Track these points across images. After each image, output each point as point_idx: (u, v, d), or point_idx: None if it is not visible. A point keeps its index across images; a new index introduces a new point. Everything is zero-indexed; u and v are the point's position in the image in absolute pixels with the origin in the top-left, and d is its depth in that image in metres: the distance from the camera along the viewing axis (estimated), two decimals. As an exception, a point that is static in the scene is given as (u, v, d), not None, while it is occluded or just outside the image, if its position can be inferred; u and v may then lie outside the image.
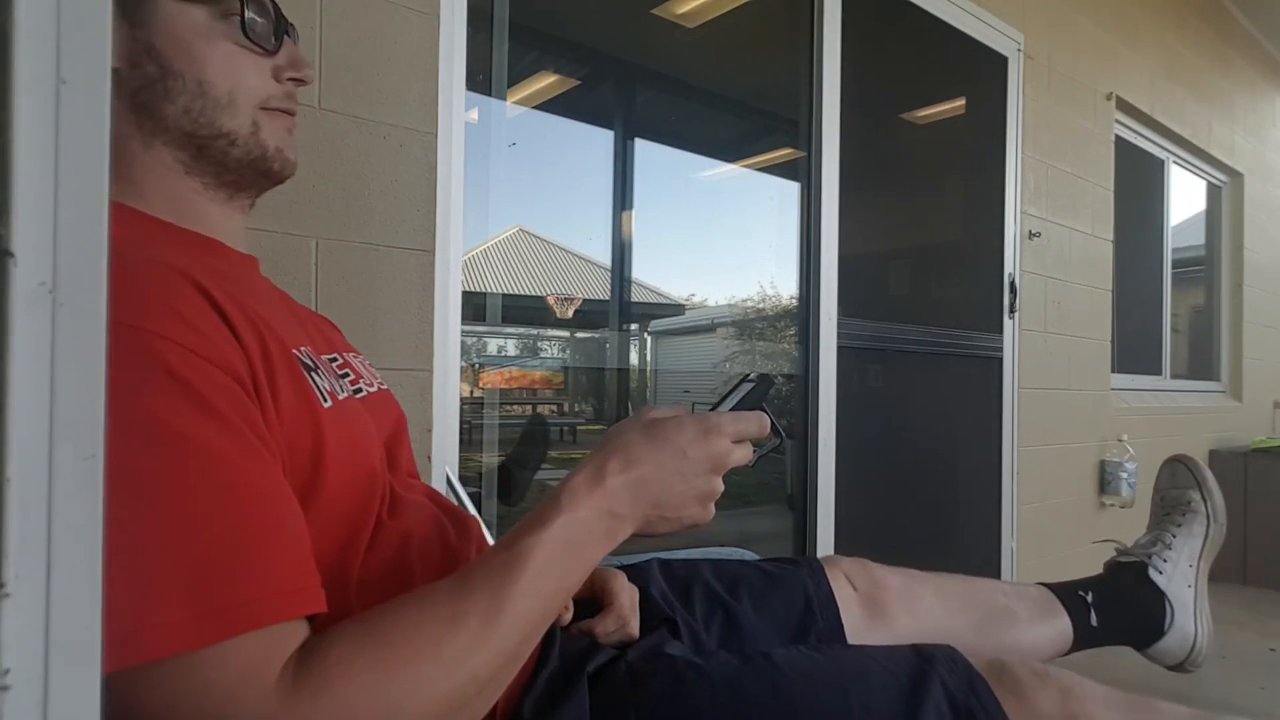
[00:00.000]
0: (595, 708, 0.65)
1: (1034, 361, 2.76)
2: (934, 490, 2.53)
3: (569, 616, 0.78)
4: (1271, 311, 4.46)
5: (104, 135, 0.28)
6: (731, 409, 0.64)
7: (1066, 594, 1.07)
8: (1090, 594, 1.07)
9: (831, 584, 0.94)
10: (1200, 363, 4.22)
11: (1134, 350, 3.55)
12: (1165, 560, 1.13)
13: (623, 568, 0.91)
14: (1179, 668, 1.12)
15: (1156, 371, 3.77)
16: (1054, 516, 2.82)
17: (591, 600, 0.82)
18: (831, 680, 0.68)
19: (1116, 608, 1.08)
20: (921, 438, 2.50)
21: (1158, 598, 1.10)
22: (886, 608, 0.95)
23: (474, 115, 1.54)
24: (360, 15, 1.25)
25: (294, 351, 0.59)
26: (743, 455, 0.62)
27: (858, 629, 0.92)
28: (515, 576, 0.52)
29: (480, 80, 1.55)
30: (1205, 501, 1.19)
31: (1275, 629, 3.00)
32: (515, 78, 1.70)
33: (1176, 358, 3.92)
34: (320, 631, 0.49)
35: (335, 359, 0.72)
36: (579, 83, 1.94)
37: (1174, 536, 1.16)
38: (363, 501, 0.62)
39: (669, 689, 0.67)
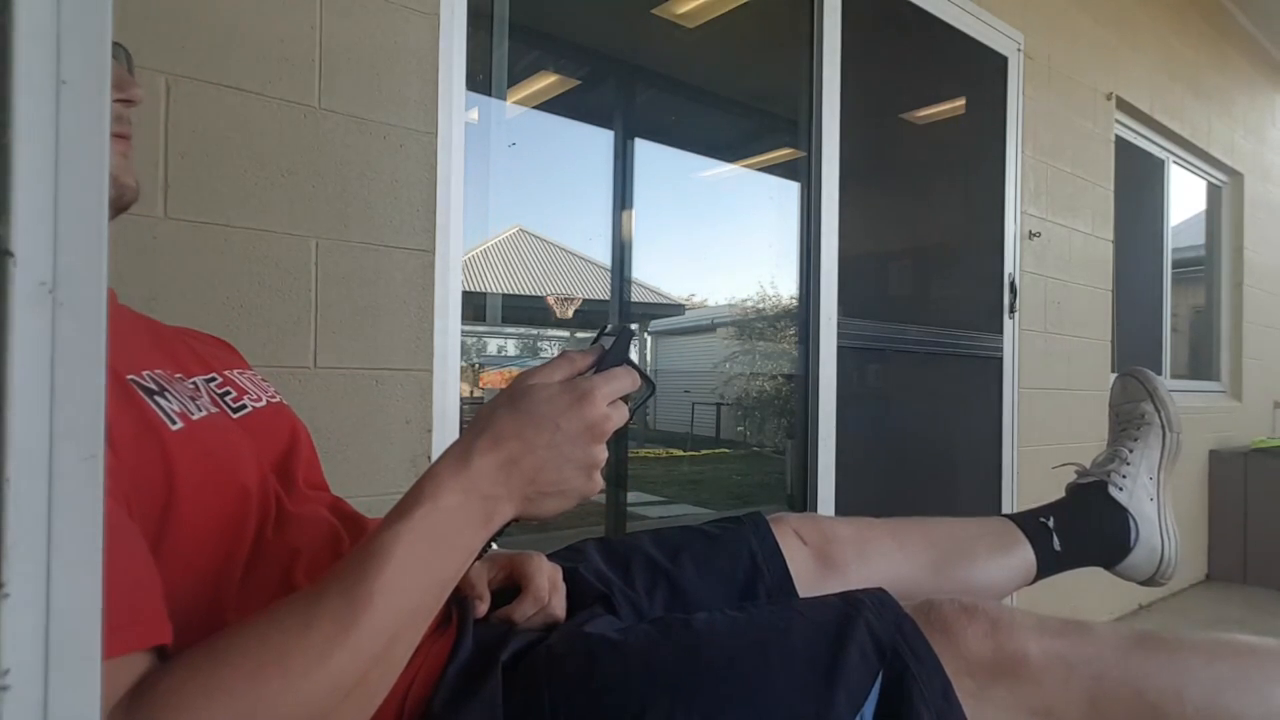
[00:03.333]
0: (512, 696, 0.64)
1: (1034, 361, 2.76)
2: (934, 490, 2.53)
3: (484, 608, 0.76)
4: (1271, 311, 4.46)
5: (104, 135, 0.28)
6: (597, 367, 0.59)
7: (1027, 522, 1.06)
8: (1051, 519, 1.06)
9: (780, 541, 0.93)
10: (1200, 363, 4.22)
11: (1134, 350, 3.55)
12: (1124, 476, 1.11)
13: (556, 551, 0.90)
14: (1150, 581, 1.11)
15: (1156, 371, 3.75)
16: (1054, 516, 2.82)
17: (512, 587, 0.80)
18: (751, 639, 0.68)
19: (1078, 530, 1.07)
20: (921, 438, 2.49)
21: (1120, 514, 1.09)
22: (838, 558, 0.94)
23: (474, 115, 1.54)
24: (360, 15, 1.25)
25: (130, 378, 0.58)
26: (620, 417, 0.58)
27: (810, 583, 0.91)
28: (371, 574, 0.49)
29: (480, 80, 1.55)
30: (1159, 412, 1.17)
31: (1275, 629, 3.00)
32: (515, 78, 1.70)
33: (1176, 358, 3.92)
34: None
35: (213, 378, 0.70)
36: (579, 83, 1.94)
37: (1131, 451, 1.14)
38: (234, 521, 0.60)
39: (583, 668, 0.66)
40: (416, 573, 0.51)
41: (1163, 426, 1.16)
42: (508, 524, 0.58)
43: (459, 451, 0.54)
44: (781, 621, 0.70)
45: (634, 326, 0.62)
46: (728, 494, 2.58)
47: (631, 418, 0.61)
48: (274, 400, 0.76)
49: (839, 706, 0.62)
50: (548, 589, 0.79)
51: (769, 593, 0.89)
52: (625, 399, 0.61)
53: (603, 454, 0.57)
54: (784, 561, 0.91)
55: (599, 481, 0.58)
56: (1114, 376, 1.28)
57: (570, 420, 0.56)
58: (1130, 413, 1.19)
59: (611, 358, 0.59)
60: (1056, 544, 1.04)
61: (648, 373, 0.62)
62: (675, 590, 0.87)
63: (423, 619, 0.53)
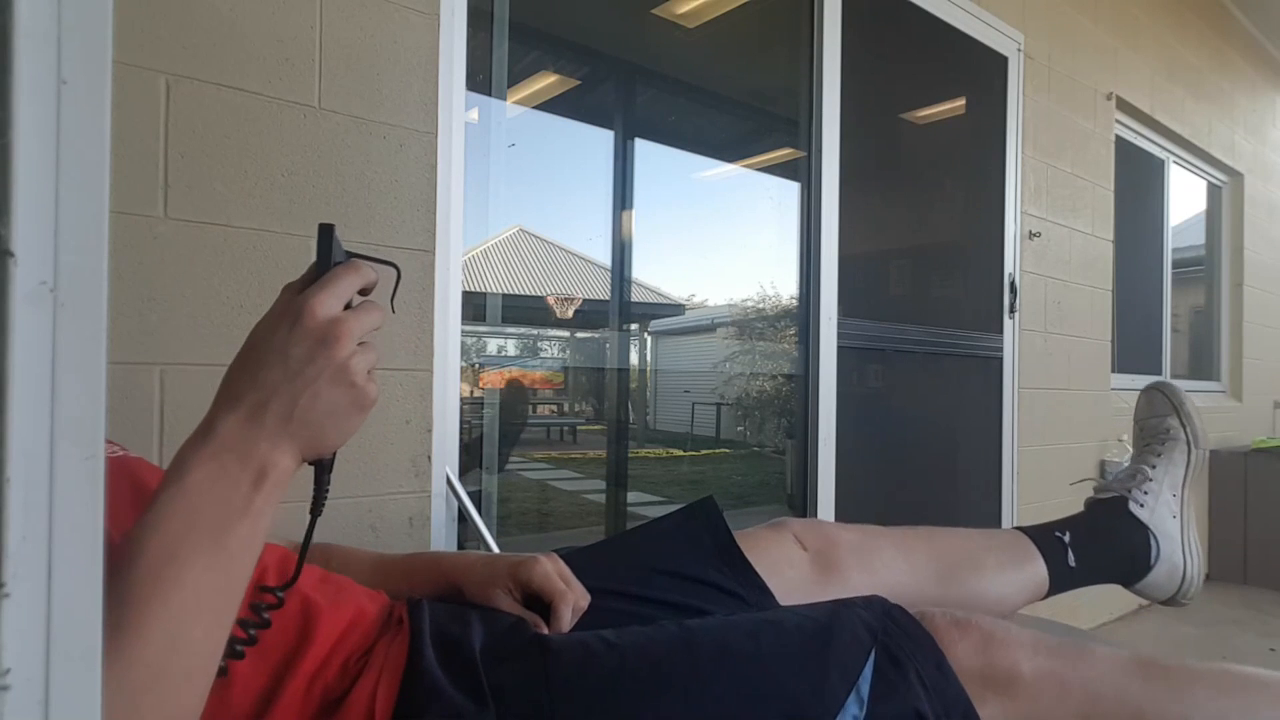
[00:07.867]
0: (508, 696, 0.64)
1: (1034, 361, 2.76)
2: (935, 489, 2.53)
3: (544, 627, 0.75)
4: (1271, 311, 4.46)
5: (104, 135, 0.28)
6: (314, 281, 0.54)
7: (1042, 536, 1.04)
8: (1067, 534, 1.04)
9: (779, 547, 0.92)
10: (1200, 363, 4.22)
11: (1134, 350, 3.55)
12: (1146, 492, 1.08)
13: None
14: (1171, 601, 1.08)
15: (1156, 371, 3.77)
16: (1054, 517, 2.82)
17: (531, 597, 0.78)
18: (743, 629, 0.69)
19: (1096, 546, 1.05)
20: (922, 438, 2.50)
21: (1140, 531, 1.06)
22: (839, 564, 0.92)
23: (474, 115, 1.54)
24: (360, 15, 1.25)
25: None
26: (367, 317, 0.53)
27: (809, 588, 0.89)
28: (125, 570, 0.46)
29: (480, 80, 1.55)
30: (1185, 427, 1.13)
31: (1275, 629, 3.00)
32: (515, 78, 1.70)
33: (1176, 358, 3.92)
34: None
35: None
36: (579, 83, 1.93)
37: (1154, 467, 1.10)
38: None
39: (581, 666, 0.67)
40: (183, 554, 0.47)
41: (1188, 442, 1.12)
42: (326, 470, 0.56)
43: (203, 423, 0.51)
44: (773, 615, 0.72)
45: (331, 223, 0.57)
46: (728, 494, 2.58)
47: (393, 308, 0.57)
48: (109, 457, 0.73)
49: (833, 682, 0.64)
50: (571, 592, 0.78)
51: (730, 563, 0.88)
52: (393, 299, 0.56)
53: (358, 358, 0.52)
54: (729, 534, 0.89)
55: (369, 388, 0.53)
56: (1138, 391, 1.25)
57: (296, 343, 0.51)
58: (1155, 428, 1.16)
59: (322, 263, 0.54)
60: (1071, 559, 1.02)
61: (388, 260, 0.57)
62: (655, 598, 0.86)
63: (218, 595, 0.49)
